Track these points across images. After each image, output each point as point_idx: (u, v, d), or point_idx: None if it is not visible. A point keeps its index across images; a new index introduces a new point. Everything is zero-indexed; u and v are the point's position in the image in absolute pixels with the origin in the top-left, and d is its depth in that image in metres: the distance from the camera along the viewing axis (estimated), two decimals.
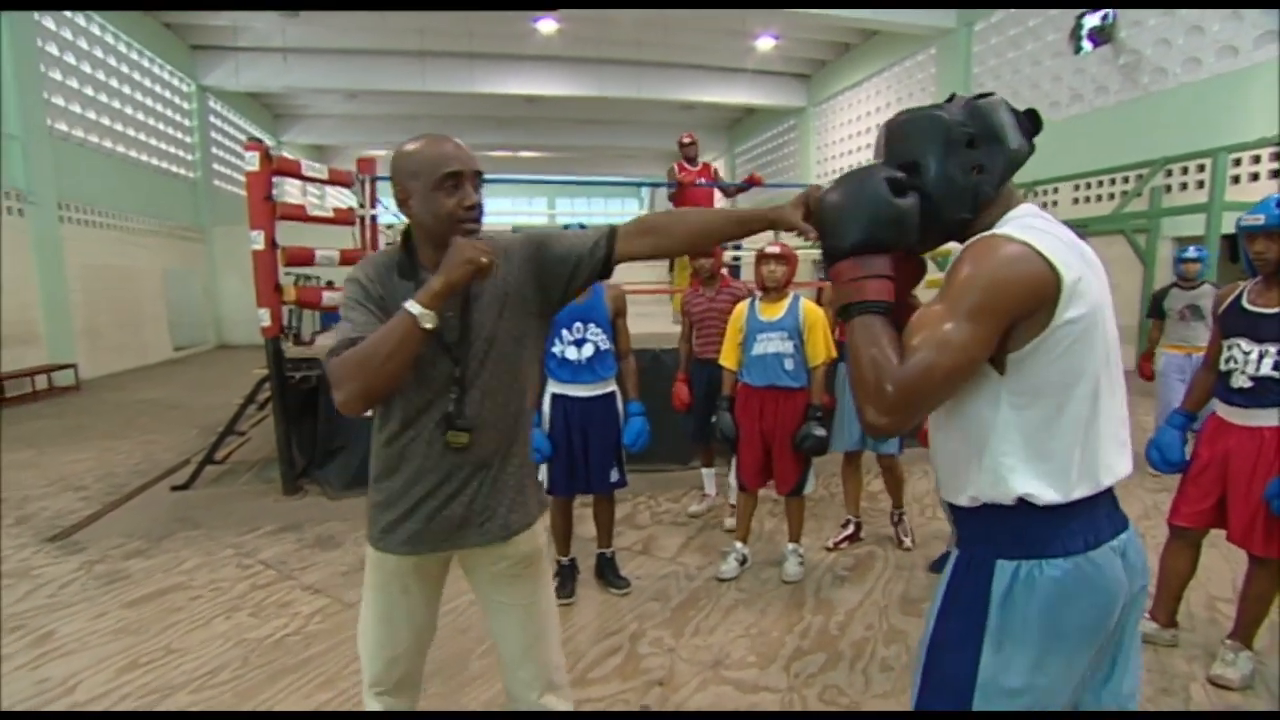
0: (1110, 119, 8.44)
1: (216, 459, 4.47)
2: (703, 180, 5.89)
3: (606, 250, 1.29)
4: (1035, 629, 0.94)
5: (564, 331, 2.62)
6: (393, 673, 1.39)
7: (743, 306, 2.96)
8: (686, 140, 5.85)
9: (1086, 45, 8.61)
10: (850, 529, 3.30)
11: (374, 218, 4.93)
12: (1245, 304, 2.08)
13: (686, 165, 5.85)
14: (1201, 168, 7.02)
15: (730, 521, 3.46)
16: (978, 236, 0.95)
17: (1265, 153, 6.64)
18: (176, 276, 11.80)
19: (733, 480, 3.20)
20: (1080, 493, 0.94)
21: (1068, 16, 8.79)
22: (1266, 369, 1.99)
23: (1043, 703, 0.96)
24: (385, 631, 1.38)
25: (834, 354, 2.86)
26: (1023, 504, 0.94)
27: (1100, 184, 8.23)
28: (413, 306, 1.15)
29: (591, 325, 2.65)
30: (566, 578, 2.79)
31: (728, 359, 2.95)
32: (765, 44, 12.85)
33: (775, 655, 2.34)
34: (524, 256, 1.31)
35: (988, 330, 0.89)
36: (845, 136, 13.94)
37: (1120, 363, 1.01)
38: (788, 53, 13.53)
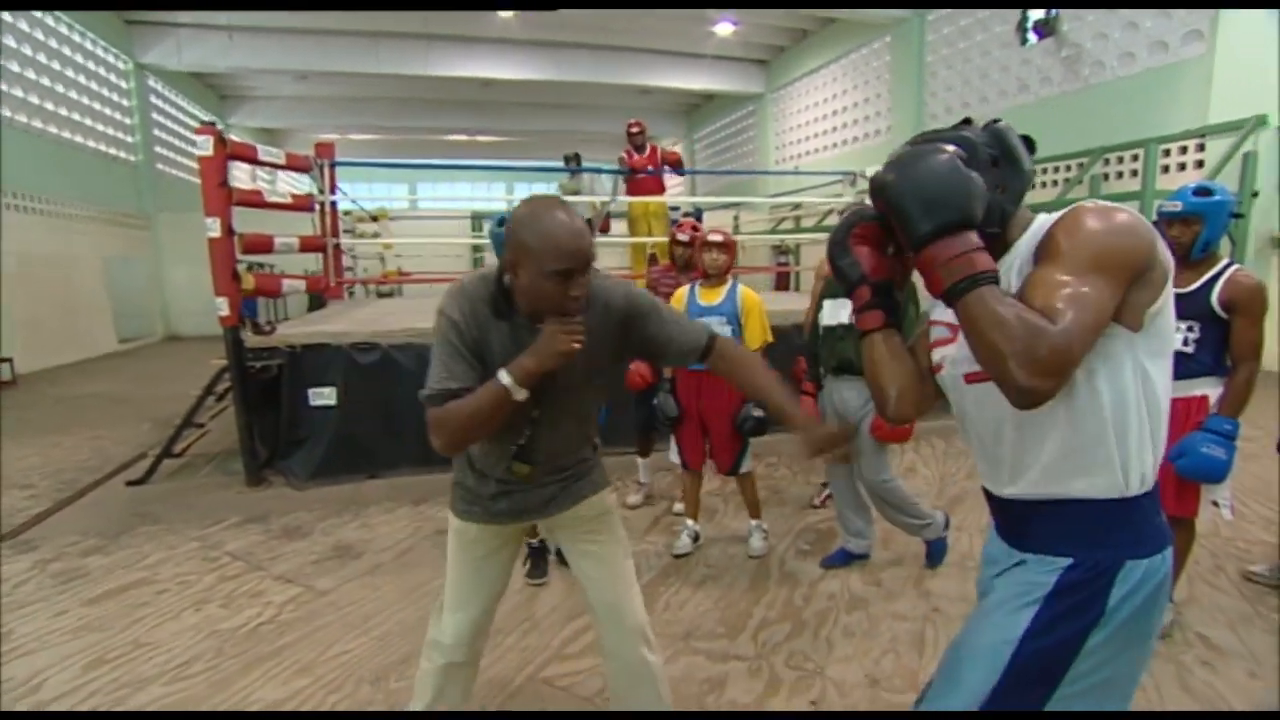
0: (1054, 109, 8.79)
1: (175, 452, 4.36)
2: (651, 168, 5.95)
3: (699, 358, 1.46)
4: (1137, 625, 0.96)
5: None
6: (467, 629, 1.56)
7: (683, 290, 3.01)
8: (634, 129, 5.87)
9: (1031, 37, 8.93)
10: (829, 490, 3.40)
11: (333, 204, 4.83)
12: None
13: (634, 152, 5.88)
14: (1136, 157, 7.40)
15: (680, 505, 3.54)
16: (1069, 209, 0.97)
17: (1191, 144, 7.04)
18: (119, 265, 11.26)
19: (673, 457, 3.23)
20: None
21: (1015, 9, 9.10)
22: (1178, 344, 2.17)
23: (1119, 698, 0.99)
24: (468, 592, 1.56)
25: (770, 339, 2.92)
26: (1144, 494, 0.95)
27: (1045, 171, 8.58)
28: (505, 379, 1.26)
29: None
30: (537, 560, 2.85)
31: None
32: (724, 29, 12.90)
33: (743, 626, 2.46)
34: (623, 316, 1.42)
35: (1115, 285, 0.89)
36: (803, 123, 14.13)
37: None
38: (747, 38, 13.60)
